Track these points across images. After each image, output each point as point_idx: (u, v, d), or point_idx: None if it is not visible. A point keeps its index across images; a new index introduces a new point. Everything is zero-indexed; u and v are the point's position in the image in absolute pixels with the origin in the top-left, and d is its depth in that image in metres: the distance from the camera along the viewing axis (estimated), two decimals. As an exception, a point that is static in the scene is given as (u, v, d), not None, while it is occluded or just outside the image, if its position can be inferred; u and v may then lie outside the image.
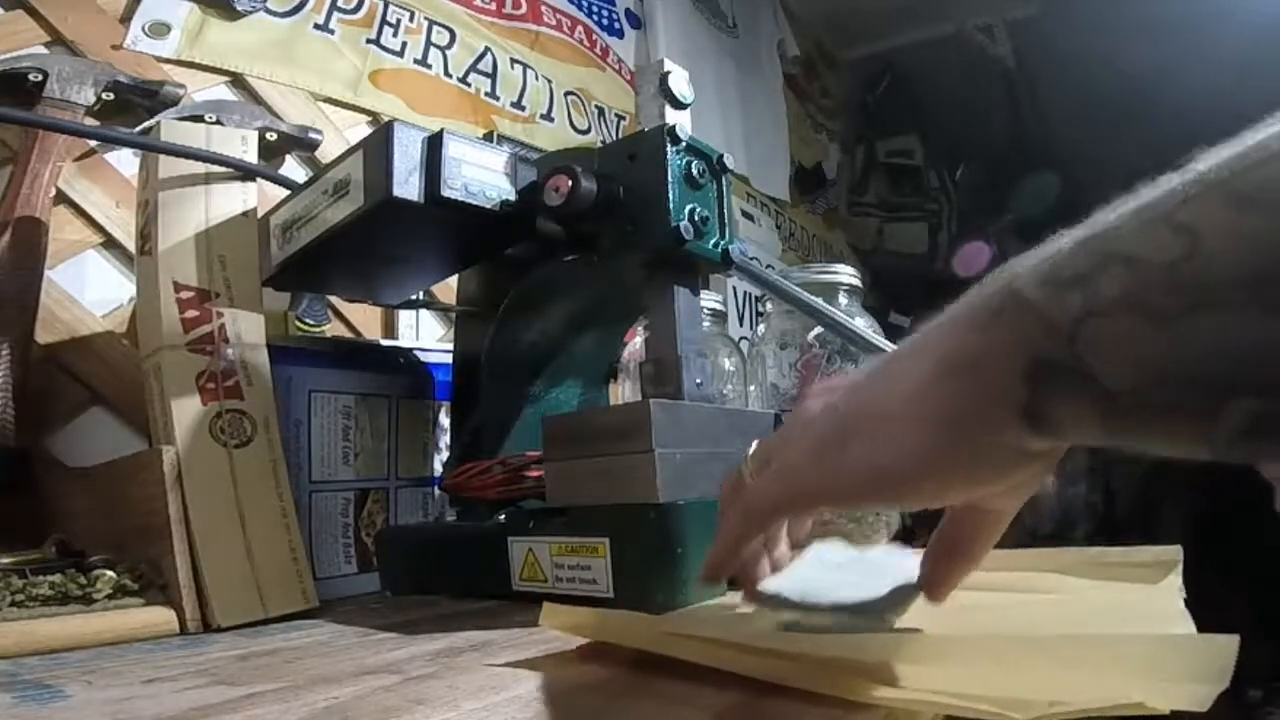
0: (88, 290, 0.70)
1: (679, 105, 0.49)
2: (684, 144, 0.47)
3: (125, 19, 0.76)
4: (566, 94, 1.22)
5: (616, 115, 1.31)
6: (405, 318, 0.94)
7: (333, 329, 0.84)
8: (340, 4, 0.94)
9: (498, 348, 0.57)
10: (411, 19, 1.01)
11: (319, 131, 0.84)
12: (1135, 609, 0.35)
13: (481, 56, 1.10)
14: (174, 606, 0.44)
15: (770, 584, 0.34)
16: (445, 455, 0.68)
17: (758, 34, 1.82)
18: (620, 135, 1.29)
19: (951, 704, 0.23)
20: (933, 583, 0.32)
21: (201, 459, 0.47)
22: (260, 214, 0.56)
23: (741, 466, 0.34)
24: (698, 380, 0.47)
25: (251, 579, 0.47)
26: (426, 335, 0.95)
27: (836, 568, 0.36)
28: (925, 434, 0.24)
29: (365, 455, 0.63)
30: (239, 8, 0.83)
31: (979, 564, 0.31)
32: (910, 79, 2.28)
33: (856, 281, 0.72)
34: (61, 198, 0.68)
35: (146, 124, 0.70)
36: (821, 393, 0.32)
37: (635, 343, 0.76)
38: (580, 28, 1.29)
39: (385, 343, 0.87)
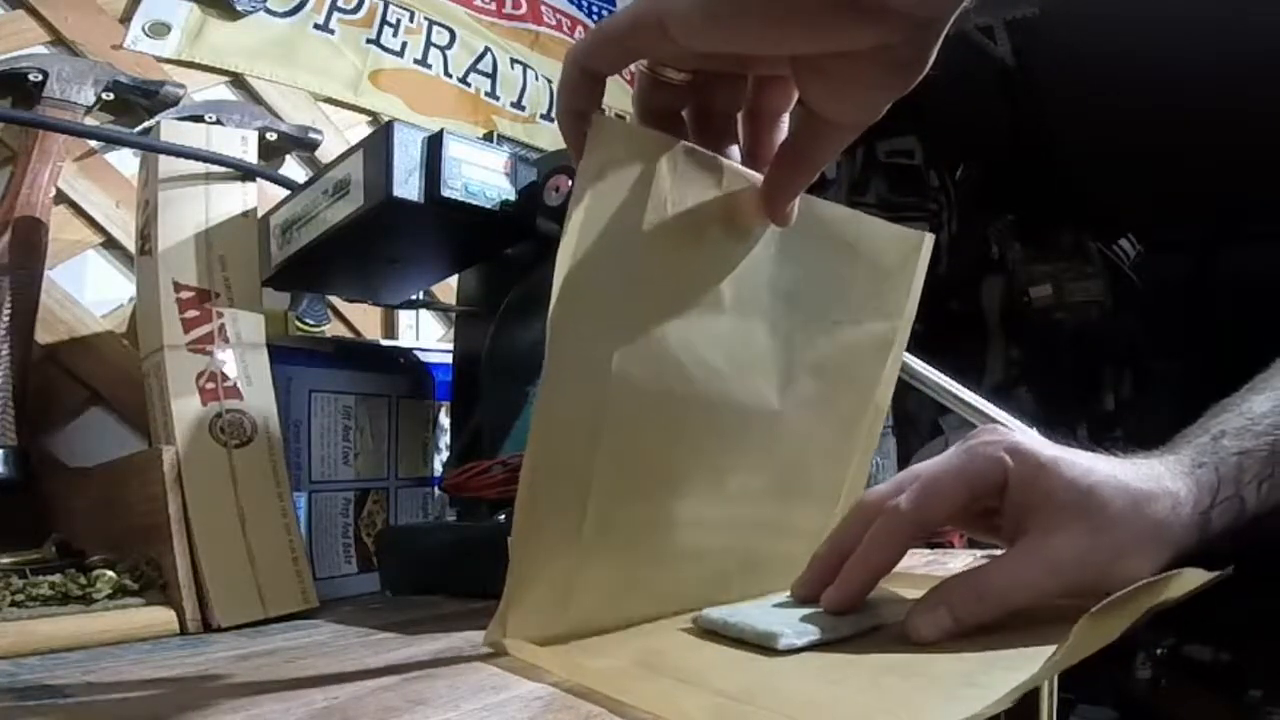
0: (88, 290, 0.70)
1: (679, 105, 0.48)
2: (684, 144, 0.47)
3: (125, 19, 0.76)
4: (566, 94, 1.22)
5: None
6: (405, 318, 0.94)
7: (333, 329, 0.84)
8: (340, 4, 0.94)
9: (498, 348, 0.57)
10: (411, 19, 1.01)
11: (319, 131, 0.84)
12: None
13: (481, 56, 1.09)
14: (174, 606, 0.44)
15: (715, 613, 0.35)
16: (445, 455, 0.68)
17: (758, 34, 1.81)
18: (620, 135, 1.29)
19: None
20: (771, 190, 0.33)
21: (201, 459, 0.47)
22: (260, 214, 0.56)
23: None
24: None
25: (251, 579, 0.47)
26: (426, 335, 0.95)
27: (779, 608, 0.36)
28: None
29: (365, 455, 0.63)
30: (239, 8, 0.83)
31: (815, 175, 0.33)
32: (910, 79, 2.28)
33: (856, 281, 0.72)
34: (61, 198, 0.68)
35: (146, 124, 0.70)
36: None
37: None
38: (580, 28, 1.28)
39: (385, 343, 0.87)
